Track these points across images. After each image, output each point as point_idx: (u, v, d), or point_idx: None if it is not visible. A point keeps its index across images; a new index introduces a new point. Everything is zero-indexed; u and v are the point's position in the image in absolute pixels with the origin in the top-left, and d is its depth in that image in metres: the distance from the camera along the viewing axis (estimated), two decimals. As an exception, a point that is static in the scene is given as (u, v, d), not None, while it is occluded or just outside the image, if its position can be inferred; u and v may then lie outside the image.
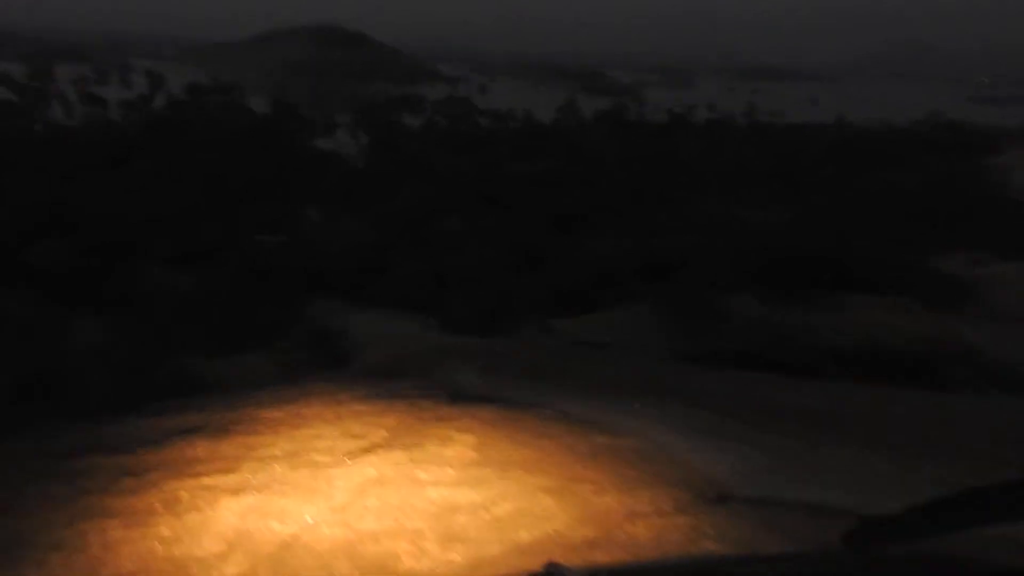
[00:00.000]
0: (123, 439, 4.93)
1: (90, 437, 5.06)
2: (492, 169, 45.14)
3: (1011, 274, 25.52)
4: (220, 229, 26.81)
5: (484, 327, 13.99)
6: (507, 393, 6.02)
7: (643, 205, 34.77)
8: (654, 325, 17.28)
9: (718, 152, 55.84)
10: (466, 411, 5.48)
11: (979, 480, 1.43)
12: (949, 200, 34.78)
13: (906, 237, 27.10)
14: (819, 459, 4.93)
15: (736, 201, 36.72)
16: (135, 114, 77.29)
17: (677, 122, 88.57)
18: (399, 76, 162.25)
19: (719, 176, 44.17)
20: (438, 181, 39.64)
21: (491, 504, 4.03)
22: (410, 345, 8.44)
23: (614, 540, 3.69)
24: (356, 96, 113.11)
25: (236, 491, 4.16)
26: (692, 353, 14.04)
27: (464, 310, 17.64)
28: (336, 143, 64.54)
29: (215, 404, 5.92)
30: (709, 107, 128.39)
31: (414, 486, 4.23)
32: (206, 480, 4.28)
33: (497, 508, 3.99)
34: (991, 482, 1.31)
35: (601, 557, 3.47)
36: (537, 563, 1.58)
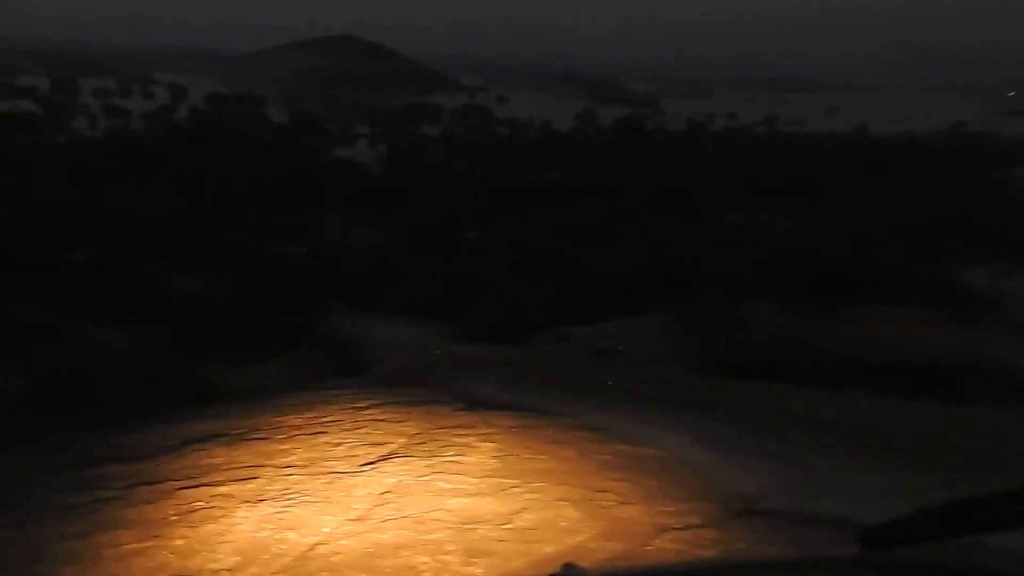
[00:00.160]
0: (140, 447, 4.89)
1: (107, 445, 5.02)
2: (510, 178, 45.11)
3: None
4: (239, 237, 26.93)
5: (502, 335, 13.88)
6: (526, 402, 5.92)
7: (662, 214, 34.61)
8: (674, 334, 17.12)
9: (738, 161, 55.56)
10: (485, 419, 5.39)
11: None
12: (974, 212, 34.35)
13: (930, 248, 26.76)
14: (847, 473, 4.79)
15: (757, 210, 36.47)
16: (156, 124, 77.96)
17: (696, 131, 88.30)
18: (417, 86, 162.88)
19: (740, 185, 43.90)
20: (456, 190, 39.68)
21: (513, 515, 3.92)
22: (428, 353, 8.37)
23: (643, 554, 3.57)
24: (374, 106, 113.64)
25: (253, 500, 4.08)
26: (712, 363, 13.86)
27: (482, 318, 17.55)
28: (355, 152, 64.85)
29: (233, 411, 5.88)
30: (729, 116, 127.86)
31: (434, 496, 4.14)
32: (223, 488, 4.22)
33: (519, 520, 3.89)
34: (997, 489, 1.24)
35: None
36: None
